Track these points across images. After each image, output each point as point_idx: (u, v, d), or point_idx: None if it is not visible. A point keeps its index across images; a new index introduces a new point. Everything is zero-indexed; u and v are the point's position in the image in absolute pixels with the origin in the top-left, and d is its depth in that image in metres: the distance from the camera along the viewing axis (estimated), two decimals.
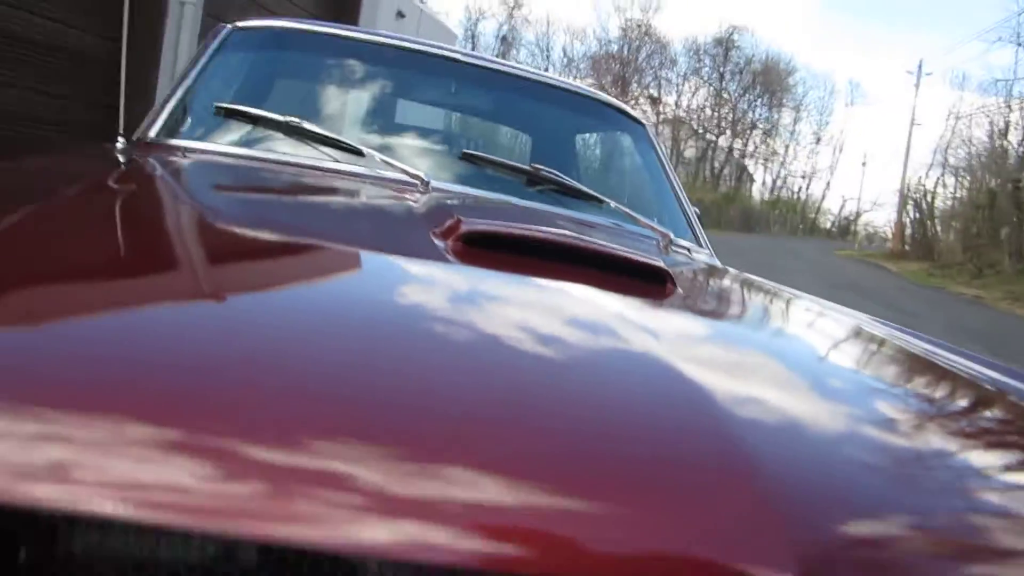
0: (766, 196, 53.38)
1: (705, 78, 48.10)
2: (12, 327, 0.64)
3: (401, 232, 1.24)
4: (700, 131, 47.26)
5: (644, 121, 2.51)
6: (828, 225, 56.61)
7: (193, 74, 2.03)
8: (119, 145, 1.78)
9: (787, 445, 0.71)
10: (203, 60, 2.06)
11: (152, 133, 1.87)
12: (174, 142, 1.85)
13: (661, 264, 1.19)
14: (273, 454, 0.55)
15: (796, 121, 51.62)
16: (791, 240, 38.00)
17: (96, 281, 0.80)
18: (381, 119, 2.23)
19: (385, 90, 2.29)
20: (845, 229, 53.70)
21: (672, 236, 2.04)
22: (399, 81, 2.31)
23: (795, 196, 55.25)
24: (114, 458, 0.52)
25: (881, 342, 1.35)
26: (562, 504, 0.56)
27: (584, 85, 2.42)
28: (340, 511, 0.53)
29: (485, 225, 1.08)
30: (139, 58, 8.11)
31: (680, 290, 1.22)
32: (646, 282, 1.16)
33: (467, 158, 1.99)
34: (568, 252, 1.11)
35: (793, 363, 1.07)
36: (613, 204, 2.02)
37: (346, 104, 2.21)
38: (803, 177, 54.67)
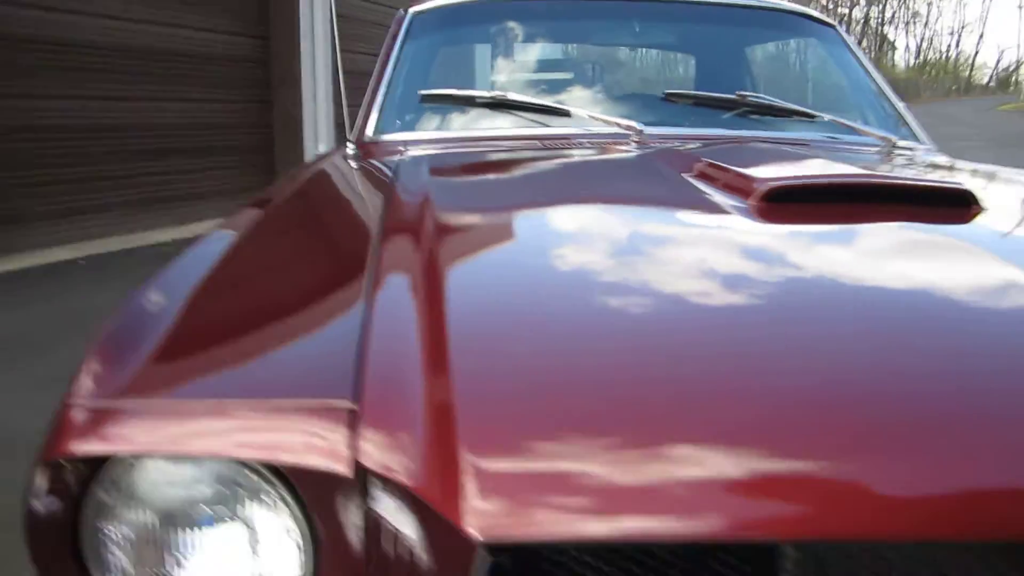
0: (911, 62, 49.66)
1: None
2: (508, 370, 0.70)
3: (674, 191, 1.24)
4: (831, 5, 44.33)
5: (832, 22, 2.39)
6: (985, 81, 52.22)
7: (389, 66, 2.10)
8: (348, 150, 1.87)
9: None
10: (394, 51, 2.12)
11: (369, 132, 1.95)
12: (391, 137, 1.92)
13: (964, 186, 1.14)
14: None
15: None
16: (945, 104, 35.37)
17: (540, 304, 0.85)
18: (573, 74, 2.23)
19: (569, 44, 2.30)
20: (1005, 82, 49.37)
21: (895, 139, 1.96)
22: (580, 32, 2.30)
23: (944, 57, 51.11)
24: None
25: None
26: None
27: None
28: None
29: (784, 180, 1.07)
30: (283, 50, 8.42)
31: (985, 207, 1.17)
32: (954, 207, 1.12)
33: (670, 98, 1.97)
34: (867, 191, 1.10)
35: None
36: (827, 117, 1.96)
37: (536, 66, 2.23)
38: (951, 34, 50.54)
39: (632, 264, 0.92)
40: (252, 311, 0.87)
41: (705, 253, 0.95)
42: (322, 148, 8.78)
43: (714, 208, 1.08)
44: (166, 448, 0.67)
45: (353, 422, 0.66)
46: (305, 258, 1.09)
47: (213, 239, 1.12)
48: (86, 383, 0.72)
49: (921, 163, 1.73)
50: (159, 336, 0.78)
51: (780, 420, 0.63)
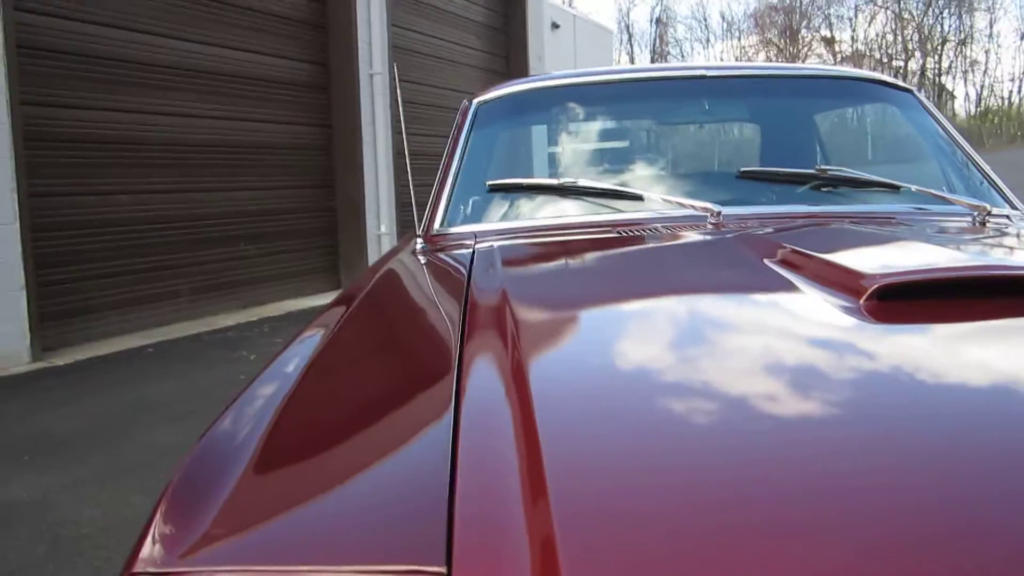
0: (972, 110, 48.89)
1: (880, 2, 44.82)
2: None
3: (769, 286, 1.16)
4: (885, 60, 44.09)
5: (909, 87, 2.31)
6: None
7: (456, 157, 2.07)
8: (418, 245, 1.83)
9: None
10: (460, 141, 2.10)
11: (437, 225, 1.92)
12: (461, 229, 1.88)
13: None
14: None
15: (993, 22, 47.11)
16: (1011, 152, 34.59)
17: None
18: (643, 156, 2.18)
19: (636, 125, 2.25)
20: None
21: (988, 207, 1.84)
22: (648, 112, 2.25)
23: (1006, 103, 50.24)
24: None
25: None
26: None
27: (834, 66, 2.26)
28: None
29: (897, 276, 0.98)
30: (345, 137, 8.63)
31: None
32: None
33: (746, 176, 1.90)
34: (983, 284, 1.00)
35: None
36: (915, 188, 1.86)
37: (603, 149, 2.19)
38: (1012, 80, 49.66)
39: (743, 376, 0.83)
40: (332, 450, 0.81)
41: (821, 360, 0.86)
42: (383, 229, 8.91)
43: (821, 307, 0.99)
44: None
45: None
46: (386, 380, 1.03)
47: (289, 356, 1.07)
48: (152, 547, 0.66)
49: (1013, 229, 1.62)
50: (230, 489, 0.71)
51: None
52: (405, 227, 9.12)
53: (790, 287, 1.09)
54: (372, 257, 8.66)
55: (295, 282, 8.15)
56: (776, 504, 0.62)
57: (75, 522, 2.86)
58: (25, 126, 5.40)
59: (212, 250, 7.15)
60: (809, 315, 0.99)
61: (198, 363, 5.41)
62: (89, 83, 6.04)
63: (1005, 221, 1.84)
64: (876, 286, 0.95)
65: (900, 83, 2.31)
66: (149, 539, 0.67)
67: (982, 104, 49.92)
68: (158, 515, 0.70)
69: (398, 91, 2.30)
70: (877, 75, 2.32)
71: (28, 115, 5.47)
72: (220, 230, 7.25)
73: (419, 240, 1.86)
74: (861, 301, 0.95)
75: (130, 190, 6.39)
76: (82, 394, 4.65)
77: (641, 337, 1.02)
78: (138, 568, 0.64)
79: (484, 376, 0.87)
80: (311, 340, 1.15)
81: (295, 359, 1.05)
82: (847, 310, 0.95)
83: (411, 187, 1.99)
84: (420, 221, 1.96)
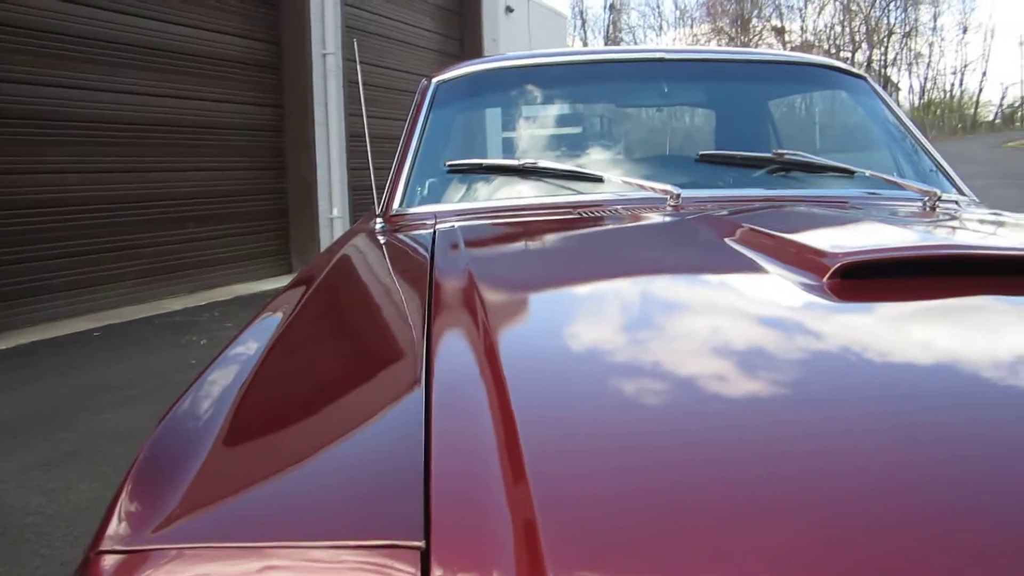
0: (915, 102, 49.94)
1: None
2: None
3: (733, 265, 1.17)
4: (833, 51, 44.75)
5: (862, 73, 2.35)
6: (990, 118, 52.38)
7: (415, 137, 2.05)
8: (377, 225, 1.81)
9: None
10: (420, 121, 2.08)
11: (396, 205, 1.90)
12: (421, 209, 1.86)
13: None
14: None
15: (936, 16, 48.09)
16: (952, 142, 35.46)
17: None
18: (603, 137, 2.18)
19: (595, 107, 2.25)
20: (1010, 118, 49.50)
21: (938, 192, 1.88)
22: (607, 94, 2.25)
23: (948, 95, 51.38)
24: None
25: None
26: None
27: (788, 52, 2.28)
28: None
29: (858, 255, 1.00)
30: (297, 118, 8.51)
31: None
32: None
33: (705, 158, 1.92)
34: (944, 263, 1.02)
35: None
36: (868, 173, 1.90)
37: (564, 131, 2.18)
38: (954, 73, 50.88)
39: (716, 353, 0.84)
40: (300, 427, 0.79)
41: (790, 338, 0.87)
42: (336, 212, 8.81)
43: (785, 286, 1.00)
44: None
45: (423, 562, 0.58)
46: (352, 358, 1.01)
47: (250, 336, 1.05)
48: (117, 525, 0.64)
49: (979, 221, 1.66)
50: (198, 465, 0.70)
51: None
52: (358, 210, 9.03)
53: (754, 266, 1.10)
54: (324, 241, 8.55)
55: (245, 265, 8.02)
56: (752, 479, 0.62)
57: (21, 510, 2.79)
58: None
59: (161, 232, 7.01)
60: (775, 293, 1.00)
61: (147, 347, 5.30)
62: (41, 59, 5.86)
63: (954, 206, 1.88)
64: (839, 264, 0.96)
65: (854, 70, 2.35)
66: (115, 517, 0.65)
67: (925, 96, 50.98)
68: (123, 494, 0.68)
69: (359, 71, 2.27)
70: (832, 61, 2.35)
71: None
72: (170, 211, 7.11)
73: (378, 220, 1.84)
74: (824, 279, 0.97)
75: (79, 169, 6.23)
76: (27, 380, 4.53)
77: (610, 316, 1.02)
78: (104, 546, 0.62)
79: (454, 353, 0.86)
80: (273, 319, 1.13)
81: (258, 338, 1.03)
82: (810, 288, 0.97)
83: (371, 167, 1.97)
84: (378, 202, 1.94)
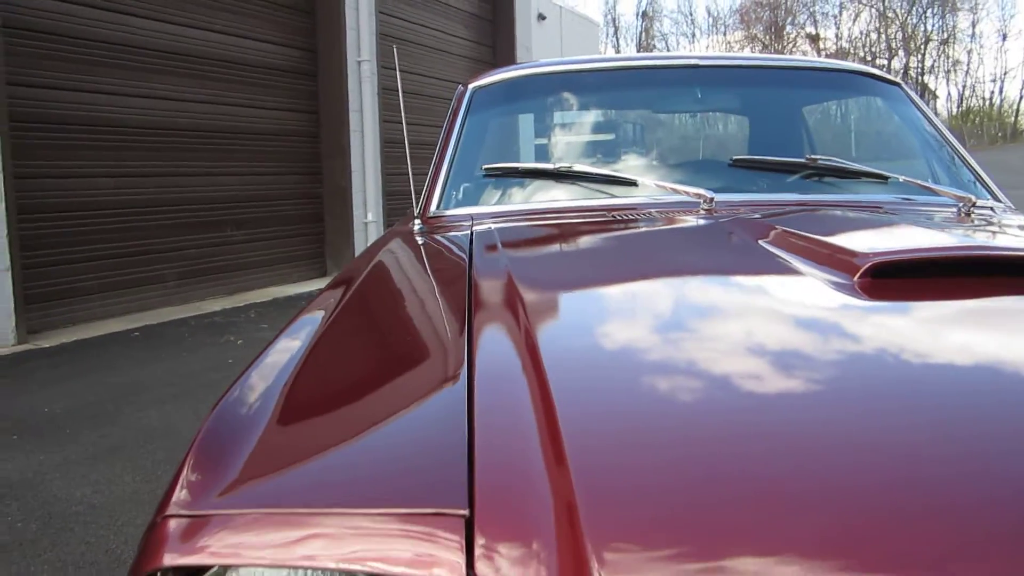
0: (953, 110, 49.16)
1: (865, 0, 44.94)
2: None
3: (768, 266, 1.19)
4: (868, 58, 44.27)
5: (897, 80, 2.36)
6: None
7: (452, 141, 2.10)
8: (416, 226, 1.86)
9: None
10: (457, 125, 2.12)
11: (434, 207, 1.94)
12: (458, 211, 1.91)
13: None
14: None
15: (975, 23, 47.43)
16: (991, 151, 34.90)
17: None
18: (638, 142, 2.22)
19: (629, 113, 2.28)
20: None
21: (973, 198, 1.89)
22: (643, 100, 2.28)
23: (987, 103, 50.53)
24: None
25: None
26: None
27: (825, 59, 2.30)
28: None
29: (889, 255, 1.03)
30: (332, 125, 8.61)
31: None
32: None
33: (738, 164, 1.94)
34: (975, 264, 1.04)
35: None
36: (902, 178, 1.91)
37: (598, 136, 2.22)
38: (993, 80, 50.05)
39: (749, 350, 0.87)
40: (349, 407, 0.84)
41: (821, 336, 0.90)
42: (370, 217, 8.91)
43: (816, 285, 1.03)
44: (267, 560, 0.63)
45: (467, 530, 0.62)
46: (397, 346, 1.06)
47: (300, 327, 1.10)
48: (181, 492, 0.69)
49: (1012, 226, 1.67)
50: (255, 440, 0.75)
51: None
52: (392, 216, 9.12)
53: (786, 266, 1.13)
54: (359, 245, 8.65)
55: (281, 269, 8.14)
56: (783, 470, 0.65)
57: (66, 500, 2.87)
58: (10, 107, 5.37)
59: (197, 235, 7.14)
60: (807, 292, 1.03)
61: (185, 347, 5.41)
62: (75, 64, 6.01)
63: (989, 212, 1.89)
64: (869, 263, 0.99)
65: (889, 76, 2.36)
66: (179, 485, 0.70)
67: (964, 104, 50.17)
68: (187, 464, 0.73)
69: (398, 78, 2.32)
70: (867, 68, 2.36)
71: (13, 95, 5.45)
72: (205, 215, 7.24)
73: (417, 222, 1.89)
74: (855, 279, 0.99)
75: (114, 173, 6.37)
76: (70, 375, 4.64)
77: (646, 314, 1.05)
78: (170, 511, 0.67)
79: (496, 346, 0.90)
80: (320, 312, 1.18)
81: (307, 328, 1.08)
82: (841, 287, 0.99)
83: (410, 171, 2.02)
84: (416, 205, 1.99)
